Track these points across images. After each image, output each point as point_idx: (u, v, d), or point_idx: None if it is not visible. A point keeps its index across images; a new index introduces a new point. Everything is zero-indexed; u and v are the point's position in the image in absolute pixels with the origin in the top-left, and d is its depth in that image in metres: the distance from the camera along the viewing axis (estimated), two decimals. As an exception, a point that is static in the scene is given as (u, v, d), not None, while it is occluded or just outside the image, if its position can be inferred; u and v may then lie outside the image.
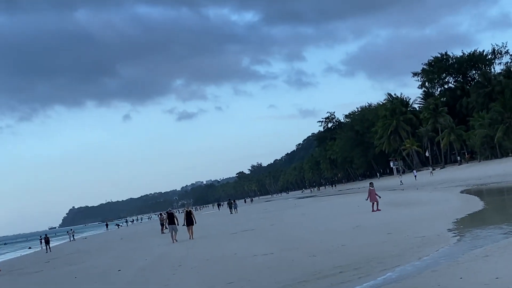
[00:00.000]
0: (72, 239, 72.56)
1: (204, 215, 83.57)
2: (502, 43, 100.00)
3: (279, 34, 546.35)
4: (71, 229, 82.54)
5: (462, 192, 36.74)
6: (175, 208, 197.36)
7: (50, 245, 53.14)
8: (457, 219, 19.19)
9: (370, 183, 29.47)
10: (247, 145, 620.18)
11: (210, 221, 52.54)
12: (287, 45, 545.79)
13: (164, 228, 42.31)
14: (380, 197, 28.35)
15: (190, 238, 28.72)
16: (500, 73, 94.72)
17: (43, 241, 76.92)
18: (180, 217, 35.47)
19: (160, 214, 48.36)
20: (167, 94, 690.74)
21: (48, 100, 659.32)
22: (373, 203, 27.63)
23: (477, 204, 24.63)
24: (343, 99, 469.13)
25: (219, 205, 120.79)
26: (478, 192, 34.33)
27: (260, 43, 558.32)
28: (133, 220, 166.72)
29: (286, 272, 12.73)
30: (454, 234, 15.37)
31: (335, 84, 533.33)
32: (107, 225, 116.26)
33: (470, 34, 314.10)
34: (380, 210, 26.84)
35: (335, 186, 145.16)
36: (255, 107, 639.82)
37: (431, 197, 34.72)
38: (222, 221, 47.78)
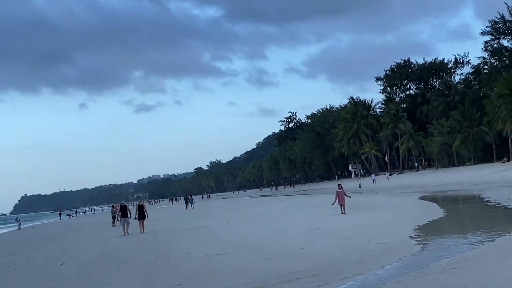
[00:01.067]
0: (18, 227, 70.19)
1: (159, 209, 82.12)
2: (464, 53, 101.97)
3: (242, 31, 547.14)
4: (17, 218, 79.91)
5: (420, 198, 36.50)
6: (130, 201, 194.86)
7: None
8: (418, 226, 18.54)
9: (338, 185, 28.24)
10: (206, 141, 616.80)
11: (165, 216, 51.31)
12: (249, 43, 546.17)
13: (115, 220, 41.28)
14: (349, 197, 27.52)
15: (141, 232, 28.12)
16: (460, 82, 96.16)
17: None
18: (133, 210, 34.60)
19: (113, 206, 46.87)
20: (125, 85, 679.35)
21: (1, 84, 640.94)
22: (341, 205, 26.71)
23: (437, 211, 24.17)
24: (303, 100, 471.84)
25: (172, 200, 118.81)
26: (436, 199, 34.10)
27: (221, 39, 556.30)
28: (85, 210, 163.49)
29: (239, 276, 11.79)
30: (417, 242, 14.66)
31: (296, 85, 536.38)
32: (60, 214, 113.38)
33: (430, 43, 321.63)
34: (345, 214, 26.00)
35: (293, 186, 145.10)
36: (215, 103, 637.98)
37: (390, 202, 34.36)
38: (177, 217, 46.66)
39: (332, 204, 27.09)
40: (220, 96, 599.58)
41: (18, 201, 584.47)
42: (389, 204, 31.41)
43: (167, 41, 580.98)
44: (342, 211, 26.48)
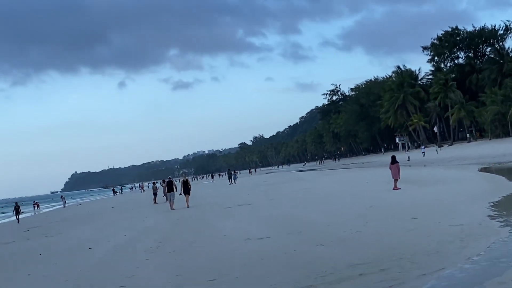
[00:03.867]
0: (63, 205, 70.15)
1: (202, 185, 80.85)
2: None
3: (273, 6, 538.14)
4: (62, 196, 79.98)
5: (480, 170, 33.58)
6: (176, 177, 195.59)
7: (37, 211, 49.59)
8: (492, 202, 15.80)
9: (392, 157, 25.60)
10: (248, 116, 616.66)
11: (208, 192, 49.66)
12: (281, 18, 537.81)
13: (156, 198, 40.52)
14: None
15: (187, 206, 29.38)
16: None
17: (35, 206, 74.77)
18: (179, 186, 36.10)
19: (153, 183, 45.67)
20: (162, 63, 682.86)
21: (41, 65, 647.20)
22: (395, 180, 24.22)
23: (507, 185, 21.36)
24: (341, 73, 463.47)
25: (212, 175, 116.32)
26: (500, 171, 31.09)
27: (253, 15, 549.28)
28: (132, 187, 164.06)
29: (285, 269, 9.54)
30: (501, 224, 11.97)
31: (332, 59, 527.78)
32: (114, 190, 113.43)
33: (469, 11, 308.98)
34: (399, 188, 23.56)
35: (338, 160, 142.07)
36: (252, 79, 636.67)
37: (447, 175, 31.48)
38: (219, 192, 45.15)
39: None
40: (256, 71, 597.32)
41: (69, 178, 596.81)
42: (448, 177, 28.56)
43: (199, 19, 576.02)
44: (394, 186, 24.06)
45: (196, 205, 30.17)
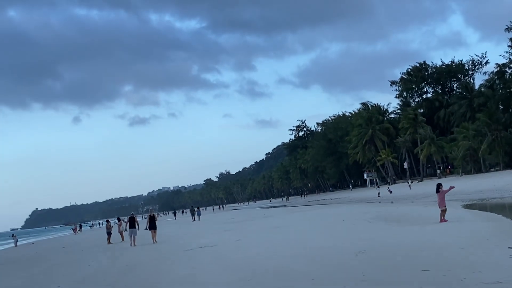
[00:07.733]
0: (15, 244, 65.36)
1: (165, 222, 76.77)
2: (482, 53, 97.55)
3: (227, 43, 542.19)
4: (13, 234, 75.01)
5: (465, 207, 30.92)
6: (140, 214, 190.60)
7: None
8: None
9: (438, 185, 22.69)
10: (212, 152, 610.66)
11: (169, 230, 45.91)
12: (235, 54, 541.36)
13: (110, 238, 37.14)
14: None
15: (154, 242, 29.15)
16: (482, 84, 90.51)
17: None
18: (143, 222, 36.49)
19: (107, 221, 41.93)
20: (117, 99, 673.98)
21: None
22: (442, 211, 21.54)
23: (510, 224, 18.53)
24: (300, 111, 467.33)
25: (175, 213, 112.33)
26: (488, 208, 28.44)
27: (207, 51, 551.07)
28: (92, 224, 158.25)
29: None
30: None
31: (289, 96, 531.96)
32: (80, 226, 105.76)
33: (422, 51, 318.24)
34: (446, 221, 20.78)
35: (305, 196, 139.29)
36: (209, 116, 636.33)
37: (431, 213, 28.50)
38: (181, 231, 41.76)
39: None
40: (214, 108, 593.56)
41: (29, 215, 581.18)
42: (434, 216, 25.58)
43: (152, 54, 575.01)
44: (441, 218, 21.29)
45: (152, 246, 27.57)
